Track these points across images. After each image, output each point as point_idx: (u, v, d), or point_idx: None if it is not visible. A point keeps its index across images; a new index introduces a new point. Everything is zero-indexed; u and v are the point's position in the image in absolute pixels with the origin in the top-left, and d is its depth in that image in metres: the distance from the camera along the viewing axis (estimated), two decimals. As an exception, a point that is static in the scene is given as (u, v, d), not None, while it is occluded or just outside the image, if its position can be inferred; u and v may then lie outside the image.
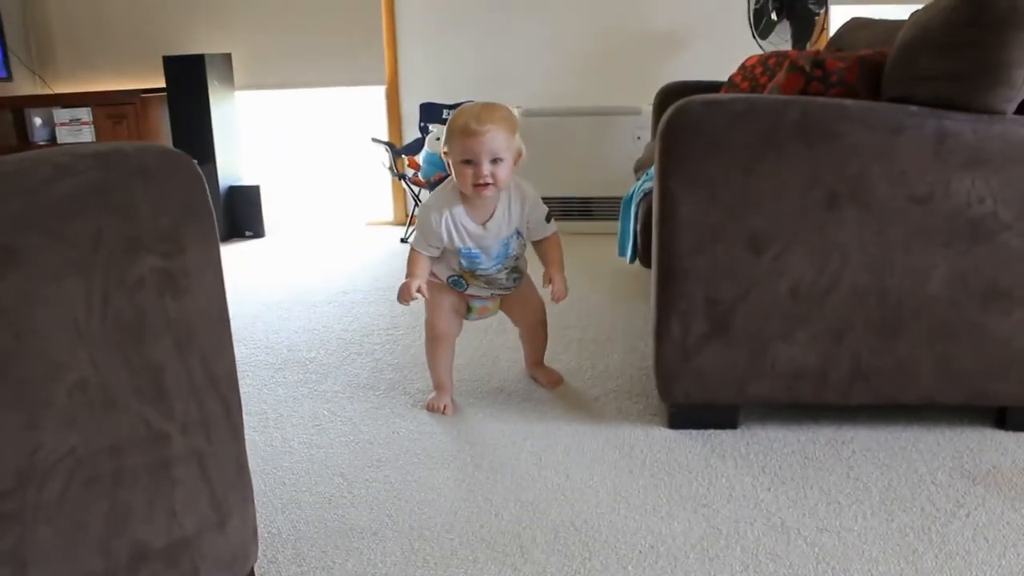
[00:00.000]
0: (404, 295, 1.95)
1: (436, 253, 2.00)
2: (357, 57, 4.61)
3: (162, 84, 4.48)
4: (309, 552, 1.51)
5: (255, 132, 4.88)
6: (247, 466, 1.29)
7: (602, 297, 3.02)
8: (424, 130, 4.25)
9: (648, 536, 1.51)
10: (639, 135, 4.01)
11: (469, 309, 2.13)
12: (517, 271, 2.09)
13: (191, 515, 1.13)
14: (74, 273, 0.87)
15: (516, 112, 2.03)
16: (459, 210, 1.95)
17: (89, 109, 4.55)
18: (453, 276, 2.05)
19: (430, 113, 4.35)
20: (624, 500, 1.64)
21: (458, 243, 1.97)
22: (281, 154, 4.93)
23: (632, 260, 2.72)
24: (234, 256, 3.97)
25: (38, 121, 4.60)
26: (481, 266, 2.01)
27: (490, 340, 2.56)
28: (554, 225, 2.07)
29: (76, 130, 4.56)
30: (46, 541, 0.85)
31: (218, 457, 1.19)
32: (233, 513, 1.24)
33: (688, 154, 1.73)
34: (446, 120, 4.27)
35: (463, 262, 2.00)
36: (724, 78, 3.39)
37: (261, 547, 1.50)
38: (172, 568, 1.09)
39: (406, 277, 1.97)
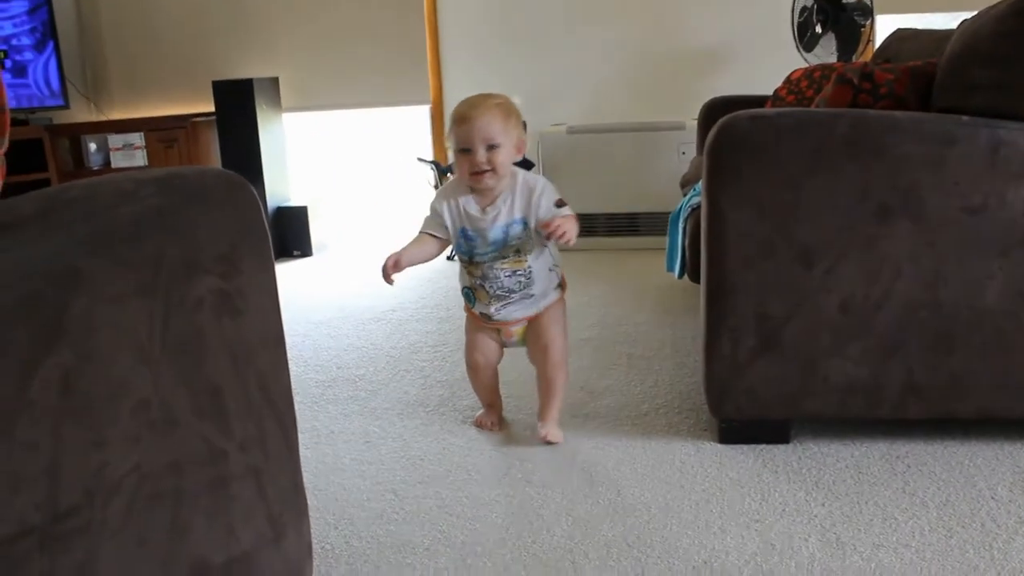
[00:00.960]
0: (386, 272, 1.91)
1: (439, 233, 1.97)
2: (402, 78, 4.67)
3: (211, 108, 4.58)
4: (363, 568, 1.52)
5: (302, 153, 4.96)
6: (302, 483, 1.30)
7: (650, 313, 3.01)
8: (469, 148, 4.28)
9: (701, 552, 1.50)
10: (684, 150, 4.00)
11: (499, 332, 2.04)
12: (527, 277, 1.93)
13: (248, 531, 1.15)
14: (137, 295, 0.90)
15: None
16: (464, 198, 1.93)
17: (141, 134, 4.66)
18: (465, 287, 2.02)
19: (474, 131, 4.38)
20: (676, 515, 1.63)
21: (458, 224, 1.94)
22: (328, 174, 5.00)
23: (680, 275, 2.71)
24: (283, 276, 4.03)
25: (93, 147, 4.72)
26: (477, 250, 1.93)
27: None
28: (568, 210, 1.92)
29: (129, 155, 4.66)
30: (112, 556, 0.87)
31: (274, 474, 1.21)
32: (289, 529, 1.25)
33: (736, 169, 1.73)
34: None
35: (461, 243, 1.95)
36: (769, 92, 3.38)
37: (315, 562, 1.52)
38: (230, 584, 1.11)
39: None
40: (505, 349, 2.09)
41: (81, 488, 0.83)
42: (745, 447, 1.90)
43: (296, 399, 2.31)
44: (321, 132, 4.99)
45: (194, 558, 1.03)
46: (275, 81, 4.59)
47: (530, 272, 1.94)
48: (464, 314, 2.12)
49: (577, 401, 2.23)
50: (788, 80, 3.19)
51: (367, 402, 2.32)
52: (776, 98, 3.16)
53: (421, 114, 4.73)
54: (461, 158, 1.86)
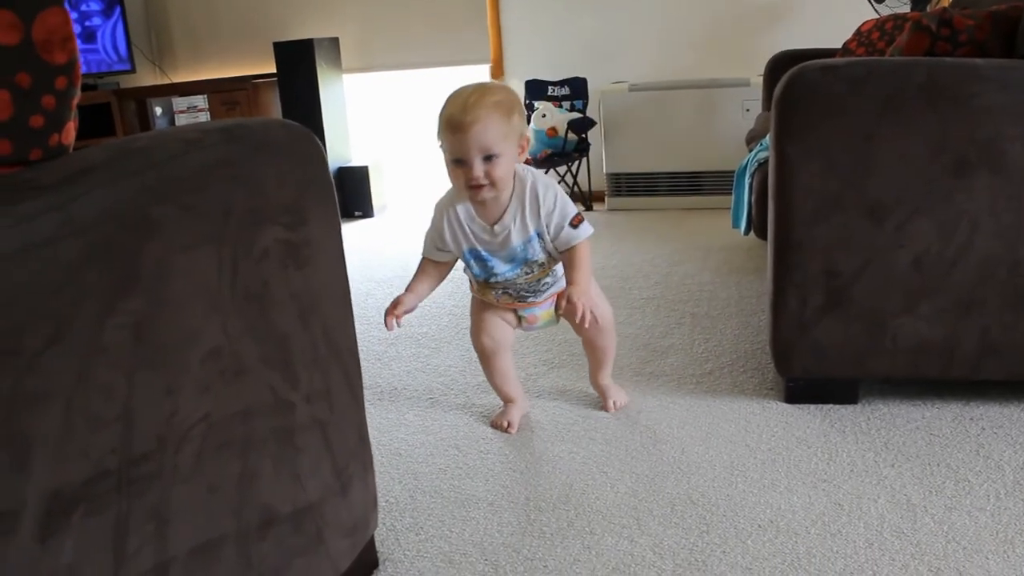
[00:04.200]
0: (386, 317, 1.70)
1: (445, 257, 1.76)
2: (461, 37, 4.64)
3: (273, 69, 4.61)
4: (427, 521, 1.53)
5: (362, 115, 4.97)
6: (367, 436, 1.32)
7: (714, 272, 2.97)
8: (529, 107, 4.25)
9: (767, 511, 1.48)
10: (748, 107, 3.92)
11: (519, 319, 1.86)
12: (552, 277, 1.77)
13: (315, 482, 1.16)
14: (206, 243, 0.90)
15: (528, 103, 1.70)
16: (463, 208, 1.69)
17: (205, 96, 4.72)
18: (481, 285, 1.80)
19: (535, 90, 4.34)
20: (741, 474, 1.61)
21: (464, 245, 1.71)
22: (388, 135, 5.01)
23: (746, 232, 2.66)
24: (344, 236, 4.05)
25: (158, 110, 4.78)
26: (496, 270, 1.72)
27: (599, 315, 2.55)
28: (586, 229, 1.69)
29: (193, 117, 4.72)
30: (184, 501, 0.89)
31: (340, 426, 1.22)
32: (354, 481, 1.27)
33: (805, 121, 1.68)
34: (552, 97, 4.29)
35: (475, 267, 1.73)
36: (838, 45, 3.28)
37: (380, 515, 1.53)
38: (298, 533, 1.12)
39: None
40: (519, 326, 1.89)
41: (154, 434, 0.84)
42: (811, 407, 1.87)
43: (360, 356, 2.34)
44: (381, 93, 4.99)
45: (263, 507, 1.04)
46: (335, 41, 4.59)
47: (555, 272, 1.77)
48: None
49: (640, 359, 2.21)
50: (858, 32, 3.09)
51: (430, 359, 2.33)
52: (845, 51, 3.07)
53: (481, 73, 4.70)
54: (455, 169, 1.63)
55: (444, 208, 1.72)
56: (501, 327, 1.85)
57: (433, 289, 1.81)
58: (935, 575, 1.28)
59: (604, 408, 1.93)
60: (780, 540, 1.40)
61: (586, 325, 1.63)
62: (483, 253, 1.71)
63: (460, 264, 1.80)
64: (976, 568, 1.29)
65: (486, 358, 1.88)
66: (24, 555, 0.70)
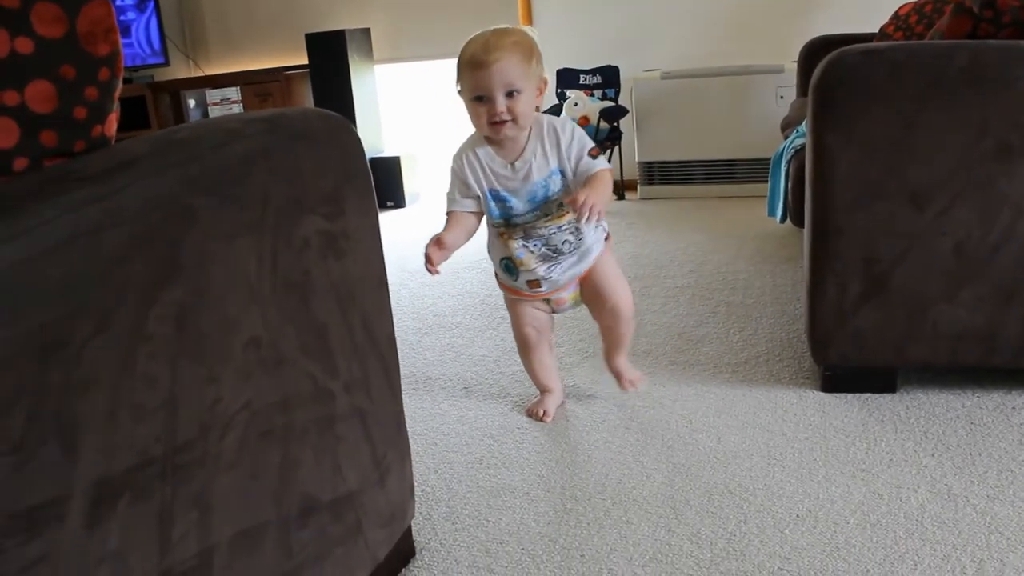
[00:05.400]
0: (428, 256, 1.72)
1: (471, 207, 1.75)
2: (492, 25, 4.61)
3: (305, 61, 4.62)
4: (463, 510, 1.54)
5: (394, 105, 4.97)
6: (405, 425, 1.32)
7: (748, 260, 2.95)
8: (561, 96, 4.23)
9: (805, 500, 1.47)
10: (782, 94, 3.88)
11: (548, 302, 1.86)
12: (574, 232, 1.74)
13: (354, 471, 1.17)
14: (246, 233, 0.91)
15: (534, 35, 1.71)
16: (484, 151, 1.71)
17: (238, 88, 4.74)
18: (502, 259, 1.79)
19: (567, 79, 4.32)
20: (779, 464, 1.60)
21: (485, 186, 1.72)
22: (420, 125, 5.01)
23: (783, 220, 2.64)
24: (377, 227, 4.07)
25: (192, 102, 4.82)
26: (515, 211, 1.72)
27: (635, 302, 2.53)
28: (603, 162, 1.71)
29: (226, 109, 4.76)
30: (226, 489, 0.89)
31: (378, 415, 1.22)
32: (392, 470, 1.27)
33: (844, 107, 1.66)
34: (583, 86, 4.26)
35: (494, 209, 1.73)
36: (874, 30, 3.24)
37: (416, 505, 1.54)
38: (337, 522, 1.13)
39: None
40: (555, 315, 1.91)
41: (197, 422, 0.85)
42: (849, 396, 1.85)
43: (394, 345, 2.35)
44: (412, 84, 4.99)
45: (303, 495, 1.05)
46: (367, 32, 4.60)
47: (581, 240, 1.75)
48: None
49: (675, 348, 2.20)
50: (895, 16, 3.04)
51: (464, 349, 2.33)
52: (883, 36, 3.02)
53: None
54: (476, 107, 1.64)
55: (463, 152, 1.74)
56: (539, 315, 1.86)
57: (467, 239, 1.78)
58: (978, 566, 1.27)
59: (621, 388, 1.93)
60: (819, 530, 1.39)
61: (582, 219, 1.59)
62: (502, 193, 1.72)
63: (488, 265, 1.80)
64: (1020, 559, 1.28)
65: (529, 349, 1.89)
66: (73, 541, 0.71)
